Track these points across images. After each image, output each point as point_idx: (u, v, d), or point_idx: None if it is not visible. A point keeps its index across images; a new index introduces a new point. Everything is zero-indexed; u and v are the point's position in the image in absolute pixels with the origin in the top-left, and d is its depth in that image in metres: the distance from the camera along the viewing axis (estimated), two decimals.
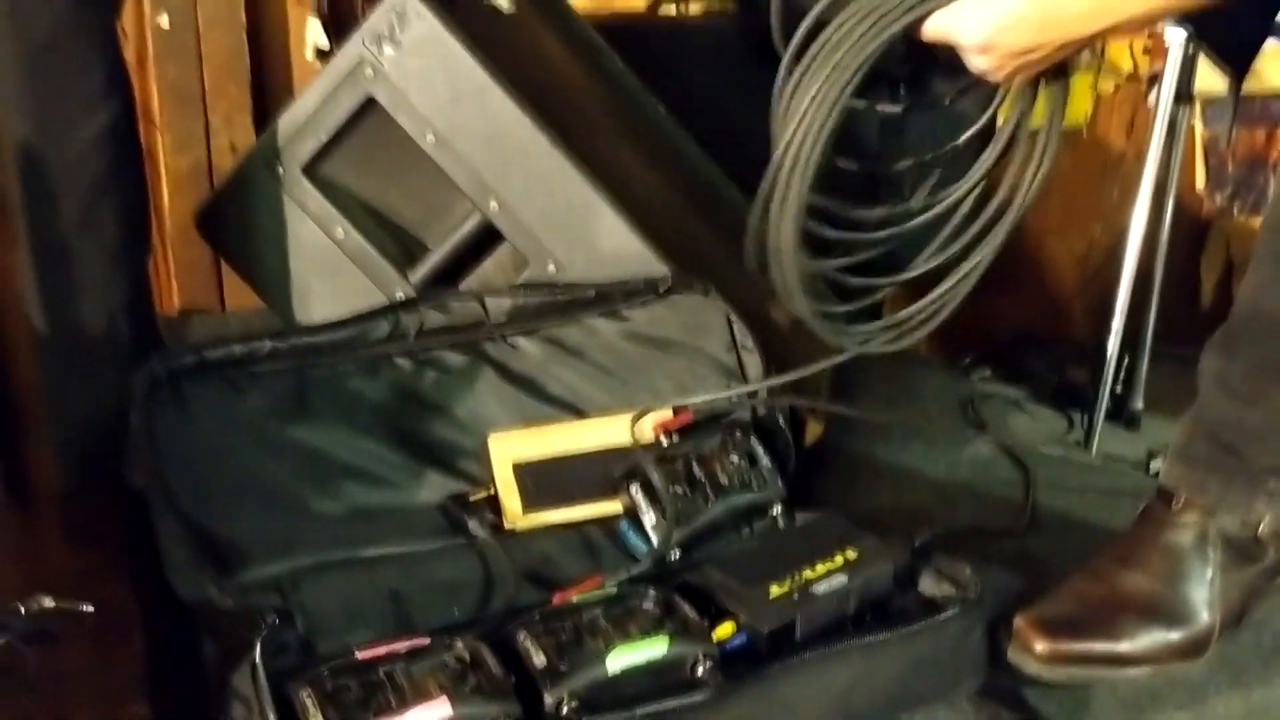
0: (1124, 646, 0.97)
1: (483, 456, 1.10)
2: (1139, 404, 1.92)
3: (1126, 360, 1.95)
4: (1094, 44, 1.10)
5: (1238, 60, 1.55)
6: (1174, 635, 0.98)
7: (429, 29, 1.14)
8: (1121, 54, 2.15)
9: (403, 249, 1.23)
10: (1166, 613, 0.98)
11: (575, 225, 1.19)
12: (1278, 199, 1.02)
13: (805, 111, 0.97)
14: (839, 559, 0.97)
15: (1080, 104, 2.25)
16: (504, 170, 1.18)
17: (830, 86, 0.97)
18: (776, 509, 1.10)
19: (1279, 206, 1.03)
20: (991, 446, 1.40)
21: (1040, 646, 0.96)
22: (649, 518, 1.06)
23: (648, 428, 1.12)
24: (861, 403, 1.36)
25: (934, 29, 0.95)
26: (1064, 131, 2.44)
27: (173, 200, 1.56)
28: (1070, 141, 2.23)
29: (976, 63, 0.96)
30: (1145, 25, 1.18)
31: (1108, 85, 2.21)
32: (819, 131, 0.97)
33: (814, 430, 1.25)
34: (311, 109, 1.20)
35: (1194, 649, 0.99)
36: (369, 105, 1.18)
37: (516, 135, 1.17)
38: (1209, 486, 1.01)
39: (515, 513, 1.07)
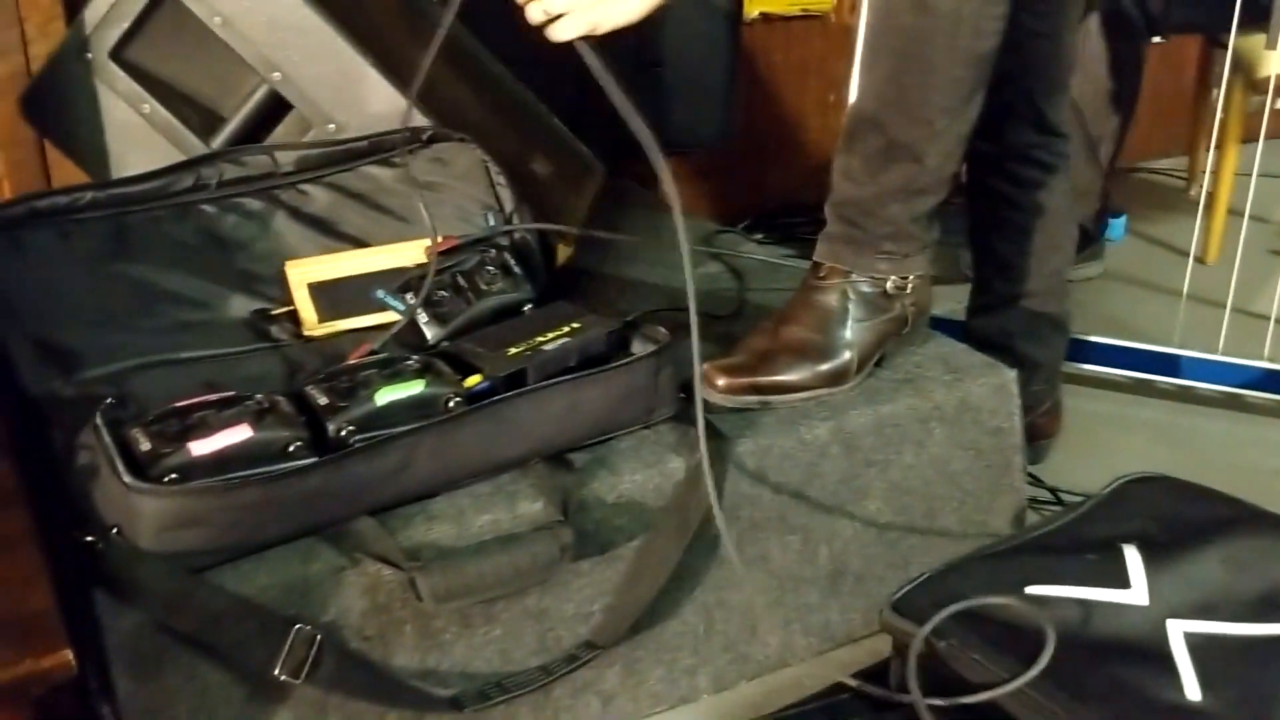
0: (783, 377, 1.26)
1: (282, 281, 1.33)
2: None
3: None
4: None
5: None
6: (822, 368, 1.28)
7: None
8: None
9: (204, 120, 1.44)
10: (816, 352, 1.28)
11: (349, 90, 1.42)
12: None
13: None
14: (565, 329, 1.24)
15: None
16: (284, 46, 1.39)
17: None
18: (528, 307, 1.36)
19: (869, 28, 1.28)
20: (720, 266, 1.69)
21: (721, 381, 1.25)
22: (421, 317, 1.31)
23: (421, 252, 1.37)
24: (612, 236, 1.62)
25: None
26: (815, 16, 2.75)
27: None
28: (821, 27, 2.54)
29: None
30: None
31: None
32: None
33: (564, 253, 1.51)
34: (112, 1, 1.40)
35: (837, 379, 1.29)
36: None
37: (292, 14, 1.38)
38: (843, 255, 1.31)
39: (312, 322, 1.31)
